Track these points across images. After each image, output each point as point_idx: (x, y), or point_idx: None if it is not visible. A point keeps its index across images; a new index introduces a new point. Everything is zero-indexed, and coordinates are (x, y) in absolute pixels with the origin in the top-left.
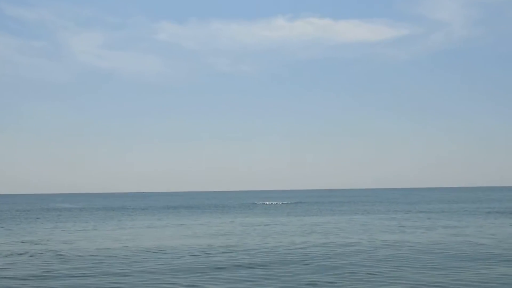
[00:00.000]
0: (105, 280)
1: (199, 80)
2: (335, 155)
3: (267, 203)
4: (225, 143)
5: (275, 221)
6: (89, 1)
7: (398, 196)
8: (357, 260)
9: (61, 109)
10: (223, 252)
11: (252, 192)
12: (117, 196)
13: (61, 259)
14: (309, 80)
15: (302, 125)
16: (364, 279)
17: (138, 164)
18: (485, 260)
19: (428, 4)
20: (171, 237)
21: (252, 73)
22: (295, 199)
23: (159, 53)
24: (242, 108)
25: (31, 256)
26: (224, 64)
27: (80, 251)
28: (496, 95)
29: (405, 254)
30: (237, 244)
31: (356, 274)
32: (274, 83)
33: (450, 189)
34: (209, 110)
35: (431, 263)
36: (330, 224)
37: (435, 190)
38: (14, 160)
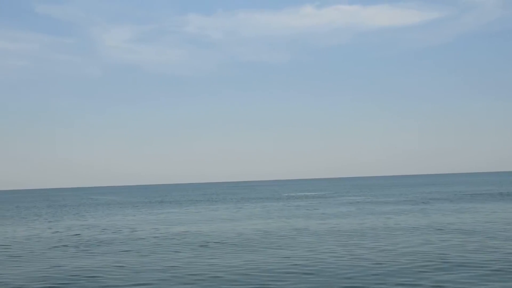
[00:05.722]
0: None
1: (226, 70)
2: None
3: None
4: (255, 133)
5: None
6: None
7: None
8: None
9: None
10: None
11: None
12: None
13: None
14: (336, 67)
15: (328, 113)
16: None
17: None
18: None
19: None
20: None
21: (280, 62)
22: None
23: (186, 44)
24: (270, 98)
25: None
26: (250, 53)
27: None
28: None
29: None
30: None
31: None
32: (301, 72)
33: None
34: (237, 100)
35: None
36: None
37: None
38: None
